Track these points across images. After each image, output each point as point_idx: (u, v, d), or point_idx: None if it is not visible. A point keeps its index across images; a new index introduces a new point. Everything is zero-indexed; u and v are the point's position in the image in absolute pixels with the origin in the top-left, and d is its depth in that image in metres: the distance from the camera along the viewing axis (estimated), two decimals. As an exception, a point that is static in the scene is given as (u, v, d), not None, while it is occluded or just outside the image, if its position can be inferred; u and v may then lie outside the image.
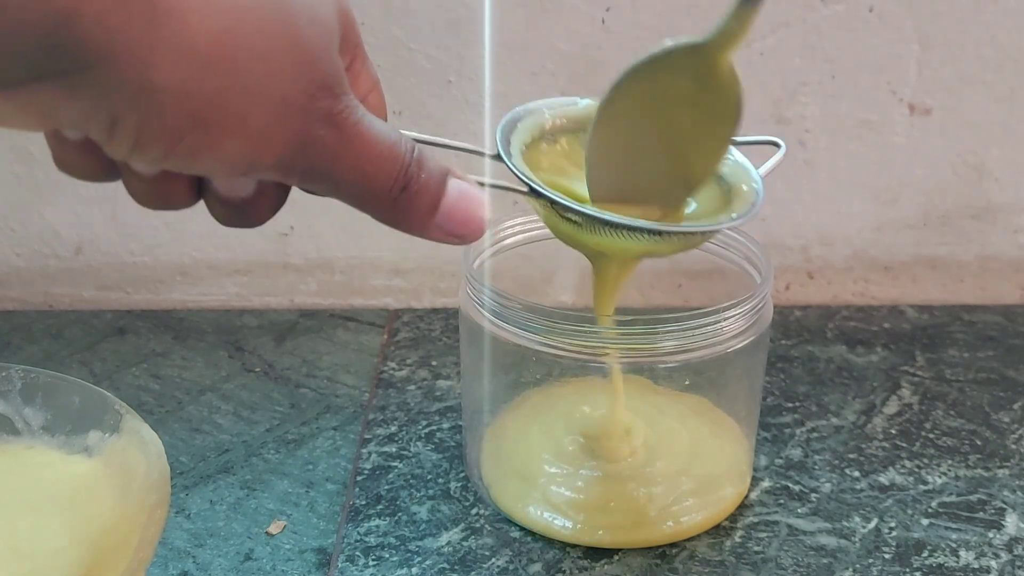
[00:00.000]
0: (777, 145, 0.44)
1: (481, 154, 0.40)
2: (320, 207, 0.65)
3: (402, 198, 0.29)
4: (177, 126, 0.25)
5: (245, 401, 0.57)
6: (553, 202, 0.38)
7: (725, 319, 0.43)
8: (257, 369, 0.60)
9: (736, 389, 0.48)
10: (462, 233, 0.31)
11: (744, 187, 0.41)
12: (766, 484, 0.49)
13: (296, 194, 0.70)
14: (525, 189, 0.39)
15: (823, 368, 0.59)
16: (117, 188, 0.71)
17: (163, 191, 0.29)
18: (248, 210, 0.30)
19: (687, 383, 0.50)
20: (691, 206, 0.42)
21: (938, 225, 0.67)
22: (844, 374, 0.59)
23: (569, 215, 0.39)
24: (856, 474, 0.50)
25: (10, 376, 0.41)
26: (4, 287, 0.68)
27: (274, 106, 0.26)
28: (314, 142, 0.27)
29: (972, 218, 0.66)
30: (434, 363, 0.60)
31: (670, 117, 0.40)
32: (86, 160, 0.29)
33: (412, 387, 0.58)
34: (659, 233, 0.39)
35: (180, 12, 0.24)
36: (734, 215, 0.40)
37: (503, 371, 0.49)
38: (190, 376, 0.59)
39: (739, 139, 0.43)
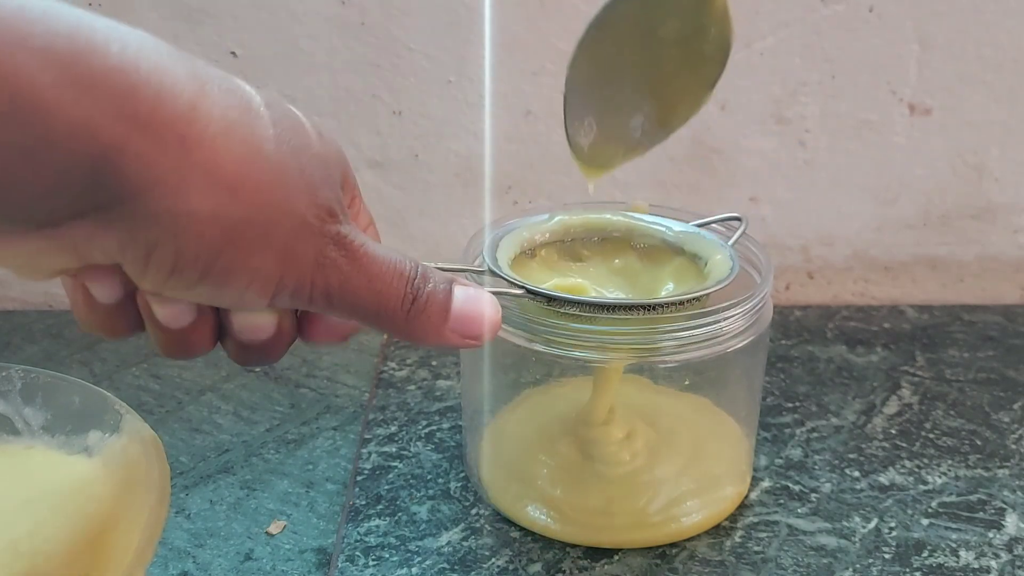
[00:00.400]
0: (739, 220, 0.48)
1: (479, 271, 0.44)
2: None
3: (413, 311, 0.31)
4: (212, 248, 0.27)
5: (245, 401, 0.57)
6: (550, 298, 0.41)
7: (725, 319, 0.43)
8: (257, 369, 0.60)
9: (736, 389, 0.48)
10: (476, 333, 0.33)
11: (719, 256, 0.44)
12: (766, 484, 0.49)
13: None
14: (520, 292, 0.42)
15: (823, 368, 0.59)
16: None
17: (187, 339, 0.31)
18: (264, 350, 0.32)
19: (687, 383, 0.50)
20: (669, 286, 0.45)
21: (938, 225, 0.67)
22: (844, 374, 0.59)
23: (565, 308, 0.41)
24: (856, 474, 0.50)
25: (10, 376, 0.41)
26: (4, 287, 0.68)
27: (294, 226, 0.28)
28: (329, 263, 0.29)
29: (972, 218, 0.66)
30: (434, 363, 0.60)
31: (657, 51, 0.42)
32: (114, 319, 0.30)
33: (412, 387, 0.58)
34: (651, 308, 0.41)
35: (209, 142, 0.26)
36: (719, 280, 0.43)
37: (503, 371, 0.49)
38: (190, 376, 0.59)
39: (703, 221, 0.48)
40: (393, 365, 0.60)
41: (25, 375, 0.41)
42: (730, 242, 0.46)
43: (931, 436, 0.53)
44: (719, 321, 0.43)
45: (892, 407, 0.56)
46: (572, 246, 0.48)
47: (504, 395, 0.51)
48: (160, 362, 0.61)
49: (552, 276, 0.46)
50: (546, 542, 0.46)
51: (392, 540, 0.46)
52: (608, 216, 0.48)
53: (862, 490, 0.49)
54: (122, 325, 0.31)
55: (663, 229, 0.47)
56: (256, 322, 0.31)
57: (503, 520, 0.47)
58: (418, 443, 0.53)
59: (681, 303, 0.42)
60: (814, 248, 0.67)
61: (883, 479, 0.50)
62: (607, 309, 0.42)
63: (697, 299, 0.43)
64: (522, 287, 0.42)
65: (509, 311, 0.43)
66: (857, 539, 0.46)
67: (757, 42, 0.61)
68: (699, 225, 0.48)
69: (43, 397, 0.41)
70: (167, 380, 0.59)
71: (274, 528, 0.47)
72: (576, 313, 0.42)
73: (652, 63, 0.42)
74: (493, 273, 0.44)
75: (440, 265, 0.45)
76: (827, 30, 0.61)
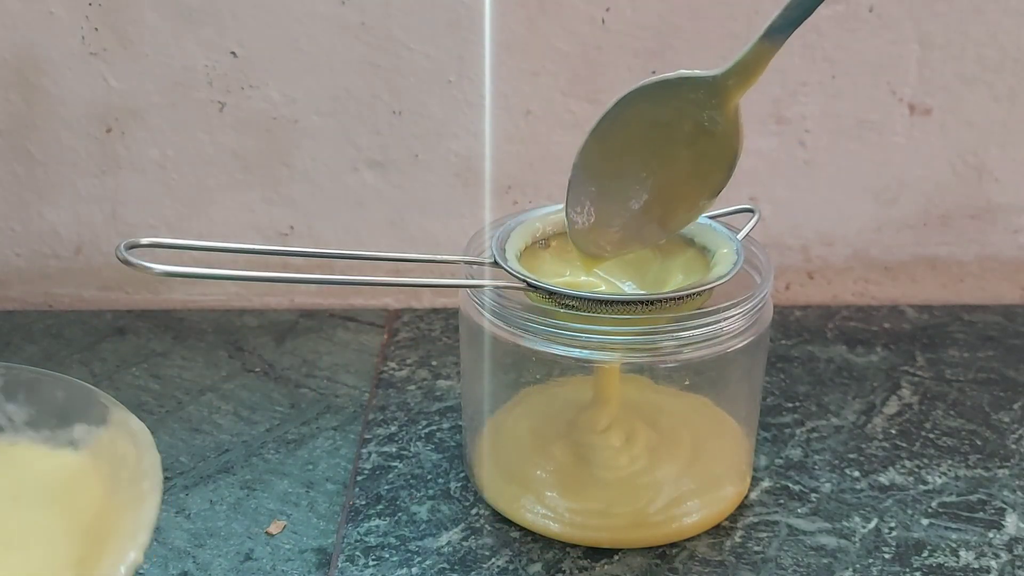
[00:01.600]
0: (752, 212, 0.48)
1: (483, 263, 0.44)
2: (321, 207, 0.65)
3: None
4: None
5: (245, 401, 0.57)
6: (551, 292, 0.42)
7: (725, 319, 0.43)
8: (257, 369, 0.60)
9: (736, 389, 0.48)
10: None
11: (725, 250, 0.45)
12: (766, 484, 0.49)
13: (296, 194, 0.71)
14: (522, 286, 0.43)
15: (823, 368, 0.59)
16: (117, 188, 0.71)
17: None
18: None
19: (687, 383, 0.50)
20: (679, 278, 0.46)
21: (938, 225, 0.67)
22: (844, 374, 0.59)
23: (567, 301, 0.42)
24: (856, 474, 0.50)
25: None
26: (4, 287, 0.68)
27: None
28: None
29: (972, 218, 0.66)
30: (434, 363, 0.60)
31: (666, 150, 0.43)
32: None
33: (412, 387, 0.58)
34: (650, 303, 0.42)
35: None
36: (720, 276, 0.43)
37: (503, 371, 0.49)
38: (190, 376, 0.59)
39: (715, 212, 0.48)
40: (393, 365, 0.60)
41: (7, 372, 0.41)
42: (740, 235, 0.46)
43: (931, 436, 0.53)
44: (719, 321, 0.43)
45: (892, 407, 0.56)
46: None
47: (504, 395, 0.51)
48: (160, 362, 0.61)
49: (565, 267, 0.47)
50: (546, 542, 0.46)
51: (392, 540, 0.46)
52: None
53: (862, 490, 0.49)
54: None
55: None
56: None
57: (503, 520, 0.47)
58: (418, 443, 0.53)
59: (680, 298, 0.42)
60: (814, 248, 0.67)
61: (883, 479, 0.50)
62: (607, 304, 0.42)
63: (697, 294, 0.43)
64: (524, 280, 0.43)
65: (509, 310, 0.44)
66: (857, 539, 0.46)
67: (757, 42, 0.61)
68: (711, 216, 0.48)
69: (25, 393, 0.41)
70: (167, 380, 0.59)
71: (274, 528, 0.47)
72: (577, 307, 0.42)
73: (659, 162, 0.43)
74: (497, 265, 0.44)
75: (445, 258, 0.46)
76: (827, 30, 0.61)
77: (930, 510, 0.48)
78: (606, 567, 0.44)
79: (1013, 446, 0.52)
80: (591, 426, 0.48)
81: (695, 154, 0.42)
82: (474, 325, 0.46)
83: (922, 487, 0.49)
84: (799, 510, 0.48)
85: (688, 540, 0.46)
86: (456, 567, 0.44)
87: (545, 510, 0.46)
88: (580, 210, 0.44)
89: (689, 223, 0.45)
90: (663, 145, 0.42)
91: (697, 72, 0.40)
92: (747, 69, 0.39)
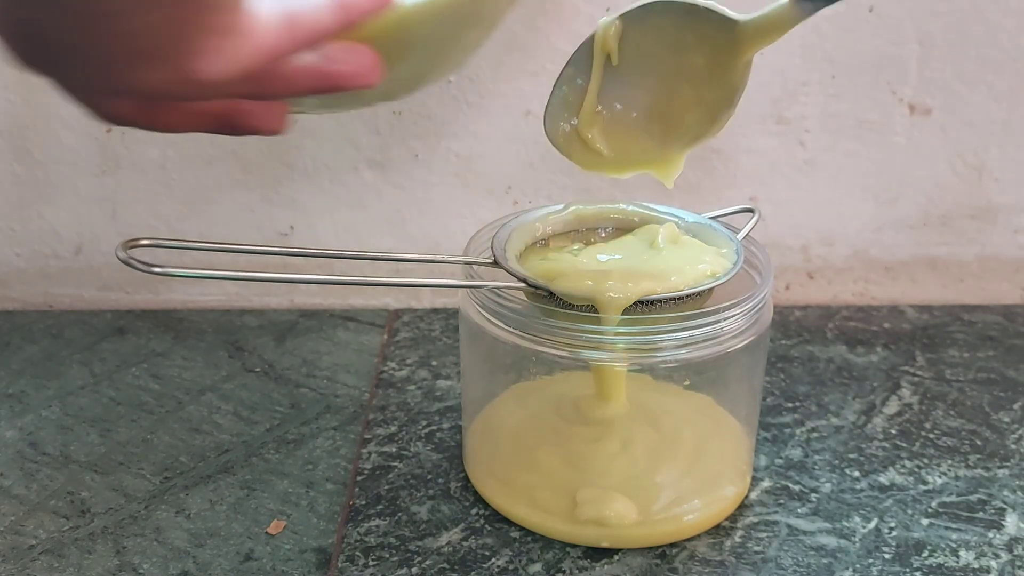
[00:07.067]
0: (752, 212, 0.49)
1: (483, 263, 0.45)
2: (321, 207, 0.65)
3: None
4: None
5: (245, 401, 0.57)
6: (550, 293, 0.43)
7: (725, 319, 0.43)
8: (257, 369, 0.60)
9: (736, 389, 0.48)
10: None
11: (725, 250, 0.46)
12: (766, 484, 0.49)
13: (296, 194, 0.70)
14: (522, 286, 0.43)
15: (823, 368, 0.59)
16: (117, 188, 0.71)
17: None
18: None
19: (687, 383, 0.50)
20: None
21: (938, 225, 0.67)
22: (844, 374, 0.59)
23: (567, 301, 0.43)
24: (856, 474, 0.50)
25: None
26: (4, 287, 0.68)
27: None
28: None
29: (972, 218, 0.66)
30: (434, 363, 0.60)
31: (670, 75, 0.43)
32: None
33: (412, 387, 0.58)
34: (651, 303, 0.42)
35: None
36: (719, 276, 0.44)
37: (502, 371, 0.49)
38: (190, 376, 0.59)
39: (716, 213, 0.49)
40: (393, 365, 0.60)
41: None
42: (740, 235, 0.47)
43: (931, 436, 0.53)
44: (719, 321, 0.43)
45: (892, 407, 0.56)
46: (585, 236, 0.49)
47: (504, 394, 0.51)
48: (160, 362, 0.61)
49: (560, 264, 0.46)
50: (546, 542, 0.46)
51: (392, 540, 0.46)
52: (622, 206, 0.50)
53: (862, 490, 0.49)
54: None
55: (676, 220, 0.48)
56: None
57: (503, 520, 0.47)
58: (418, 443, 0.53)
59: (680, 299, 0.42)
60: (814, 248, 0.67)
61: (883, 479, 0.50)
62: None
63: (697, 295, 0.43)
64: (523, 280, 0.43)
65: (509, 310, 0.44)
66: (857, 539, 0.46)
67: (757, 42, 0.61)
68: (712, 217, 0.48)
69: None
70: (167, 380, 0.59)
71: (274, 528, 0.47)
72: (577, 307, 0.42)
73: (668, 79, 0.43)
74: (497, 265, 0.44)
75: (445, 258, 0.46)
76: (827, 30, 0.61)
77: (930, 510, 0.48)
78: (606, 567, 0.44)
79: (1013, 446, 0.52)
80: (586, 436, 0.47)
81: (696, 92, 0.42)
82: (474, 325, 0.46)
83: (922, 487, 0.49)
84: (799, 510, 0.48)
85: (688, 540, 0.46)
86: (456, 567, 0.44)
87: (544, 510, 0.46)
88: (574, 84, 0.45)
89: (683, 147, 0.44)
90: (677, 64, 0.42)
91: (723, 10, 0.40)
92: (768, 27, 0.39)
